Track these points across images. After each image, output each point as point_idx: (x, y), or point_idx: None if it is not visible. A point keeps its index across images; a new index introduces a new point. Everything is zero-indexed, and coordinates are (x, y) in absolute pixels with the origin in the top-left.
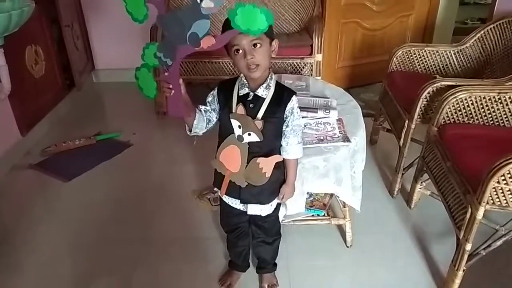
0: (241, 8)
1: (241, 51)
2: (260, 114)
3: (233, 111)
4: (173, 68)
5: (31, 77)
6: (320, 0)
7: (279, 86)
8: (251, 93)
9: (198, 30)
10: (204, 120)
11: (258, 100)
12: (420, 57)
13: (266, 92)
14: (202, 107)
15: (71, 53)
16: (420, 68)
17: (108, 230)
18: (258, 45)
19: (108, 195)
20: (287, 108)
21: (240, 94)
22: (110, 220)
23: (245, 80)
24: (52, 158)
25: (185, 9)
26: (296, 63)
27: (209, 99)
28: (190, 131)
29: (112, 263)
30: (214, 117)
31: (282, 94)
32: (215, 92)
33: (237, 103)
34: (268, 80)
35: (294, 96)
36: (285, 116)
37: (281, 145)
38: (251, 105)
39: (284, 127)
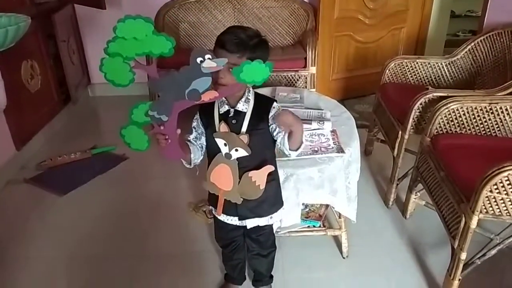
0: (247, 65)
1: None
2: (244, 128)
3: (217, 130)
4: (170, 122)
5: (26, 91)
6: (313, 14)
7: (258, 98)
8: (231, 109)
9: (198, 87)
10: (198, 149)
11: (240, 115)
12: (412, 69)
13: (246, 106)
14: (191, 137)
15: (67, 67)
16: (412, 79)
17: (103, 245)
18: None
19: (104, 209)
20: (270, 116)
21: (220, 112)
22: (106, 234)
23: (223, 98)
24: (47, 172)
25: (183, 71)
26: (291, 75)
27: (194, 124)
28: (190, 164)
29: (108, 278)
30: (204, 141)
31: (262, 105)
32: (197, 115)
33: (219, 121)
34: (246, 94)
35: (274, 102)
36: (269, 124)
37: (280, 147)
38: (233, 121)
39: (274, 133)
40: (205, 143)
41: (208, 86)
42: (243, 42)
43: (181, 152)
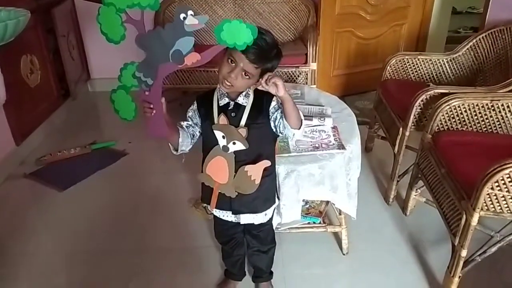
0: (227, 23)
1: (233, 64)
2: (243, 122)
3: (215, 122)
4: (154, 87)
5: (26, 86)
6: (314, 10)
7: (257, 92)
8: (232, 102)
9: (181, 48)
10: (188, 136)
11: (239, 108)
12: (413, 66)
13: (246, 100)
14: (184, 123)
15: (66, 62)
16: (413, 76)
17: (103, 240)
18: (247, 76)
19: (103, 204)
20: (271, 107)
21: (220, 104)
22: (106, 229)
23: (223, 90)
24: (47, 167)
25: (167, 27)
26: (291, 71)
27: (190, 114)
28: (176, 150)
29: (107, 273)
30: (197, 131)
31: (262, 100)
32: (194, 106)
33: (219, 113)
34: (247, 89)
35: (274, 97)
36: (271, 113)
37: (281, 134)
38: (232, 114)
39: (275, 122)
40: (197, 133)
41: (191, 47)
42: (263, 54)
43: (167, 129)
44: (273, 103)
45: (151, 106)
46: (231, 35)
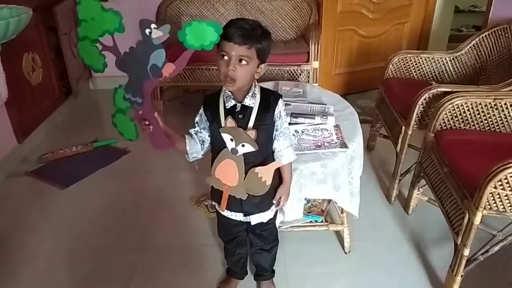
0: (188, 27)
1: (226, 57)
2: (251, 124)
3: (223, 125)
4: (145, 105)
5: (28, 84)
6: (317, 8)
7: (264, 92)
8: (238, 104)
9: (156, 61)
10: (197, 142)
11: (246, 110)
12: (416, 64)
13: (253, 101)
14: (193, 130)
15: (68, 60)
16: (416, 74)
17: (105, 238)
18: (244, 61)
19: (105, 202)
20: (275, 113)
21: (227, 107)
22: (107, 227)
23: (229, 92)
24: (49, 165)
25: (138, 45)
26: (293, 70)
27: (197, 119)
28: (189, 157)
29: (109, 271)
30: (207, 136)
31: (269, 99)
32: (201, 110)
33: (226, 116)
34: (253, 89)
35: (280, 99)
36: (274, 120)
37: (273, 151)
38: (240, 116)
39: (274, 131)
40: (207, 138)
41: (163, 59)
42: (248, 33)
43: (167, 140)
44: (277, 109)
45: (147, 122)
46: (196, 38)
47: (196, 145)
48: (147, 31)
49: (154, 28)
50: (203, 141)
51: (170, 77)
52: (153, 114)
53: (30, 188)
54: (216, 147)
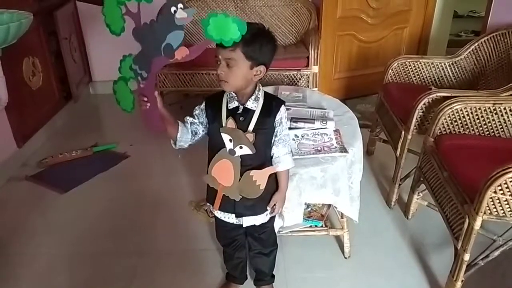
0: (213, 18)
1: (218, 62)
2: (251, 127)
3: (223, 125)
4: (148, 81)
5: (28, 88)
6: (316, 13)
7: (267, 97)
8: (241, 106)
9: (172, 42)
10: (188, 132)
11: (248, 112)
12: (415, 69)
13: (255, 104)
14: (189, 119)
15: (68, 65)
16: (415, 79)
17: (104, 242)
18: (230, 64)
19: (105, 206)
20: (276, 119)
21: (229, 108)
22: (107, 232)
23: (233, 93)
24: (49, 169)
25: (160, 20)
26: (293, 74)
27: (196, 112)
28: (175, 144)
29: (108, 275)
30: (200, 130)
31: (271, 105)
32: (202, 106)
33: (227, 116)
34: (257, 92)
35: (282, 106)
36: (274, 126)
37: (271, 156)
38: (241, 118)
39: (273, 137)
40: (200, 132)
41: (180, 41)
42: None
43: (162, 122)
44: (278, 116)
45: (145, 99)
46: (217, 31)
47: (187, 135)
48: (173, 9)
49: (181, 8)
50: (195, 133)
51: (181, 61)
52: (153, 92)
53: (30, 192)
54: (214, 146)
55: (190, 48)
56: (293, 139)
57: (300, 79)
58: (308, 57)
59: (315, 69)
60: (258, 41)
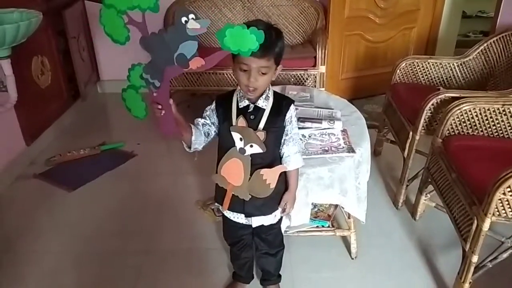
0: (229, 29)
1: (247, 70)
2: (261, 125)
3: (234, 123)
4: (162, 89)
5: (37, 87)
6: (324, 12)
7: (277, 96)
8: (251, 105)
9: (185, 52)
10: (202, 134)
11: (259, 111)
12: (423, 69)
13: (266, 103)
14: (201, 121)
15: (76, 64)
16: (423, 80)
17: (111, 241)
18: (264, 72)
19: (112, 205)
20: (286, 117)
21: (240, 106)
22: (114, 230)
23: (250, 97)
24: (57, 168)
25: (170, 30)
26: (300, 74)
27: (207, 113)
28: (189, 147)
29: (115, 274)
30: (212, 130)
31: (281, 103)
32: (213, 106)
33: (237, 115)
34: (267, 91)
35: (292, 105)
36: (284, 125)
37: (281, 156)
38: (252, 117)
39: (283, 136)
40: (212, 132)
41: (194, 51)
42: (268, 43)
43: (176, 127)
44: (288, 114)
45: (160, 106)
46: (235, 42)
47: (200, 137)
48: (183, 19)
49: (192, 19)
50: (208, 134)
51: (196, 70)
52: (168, 100)
53: (38, 191)
54: (224, 145)
55: (206, 59)
56: (301, 139)
57: (307, 79)
58: (315, 57)
59: (322, 69)
60: (278, 44)
